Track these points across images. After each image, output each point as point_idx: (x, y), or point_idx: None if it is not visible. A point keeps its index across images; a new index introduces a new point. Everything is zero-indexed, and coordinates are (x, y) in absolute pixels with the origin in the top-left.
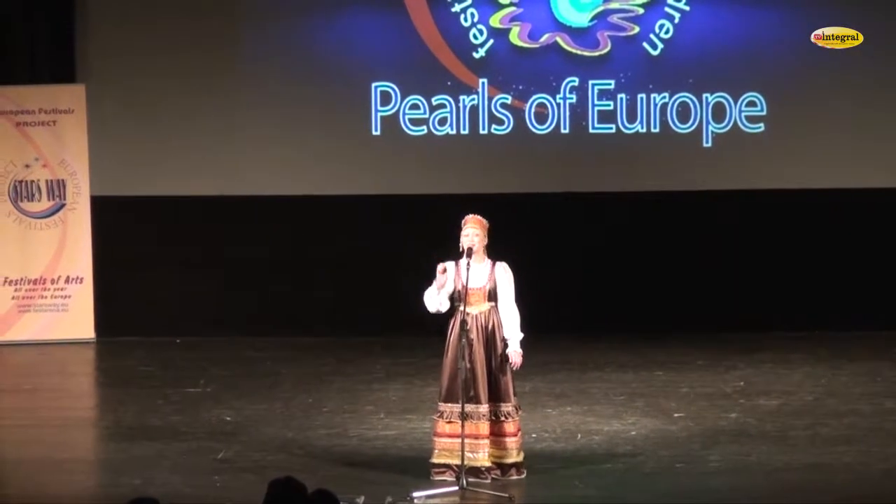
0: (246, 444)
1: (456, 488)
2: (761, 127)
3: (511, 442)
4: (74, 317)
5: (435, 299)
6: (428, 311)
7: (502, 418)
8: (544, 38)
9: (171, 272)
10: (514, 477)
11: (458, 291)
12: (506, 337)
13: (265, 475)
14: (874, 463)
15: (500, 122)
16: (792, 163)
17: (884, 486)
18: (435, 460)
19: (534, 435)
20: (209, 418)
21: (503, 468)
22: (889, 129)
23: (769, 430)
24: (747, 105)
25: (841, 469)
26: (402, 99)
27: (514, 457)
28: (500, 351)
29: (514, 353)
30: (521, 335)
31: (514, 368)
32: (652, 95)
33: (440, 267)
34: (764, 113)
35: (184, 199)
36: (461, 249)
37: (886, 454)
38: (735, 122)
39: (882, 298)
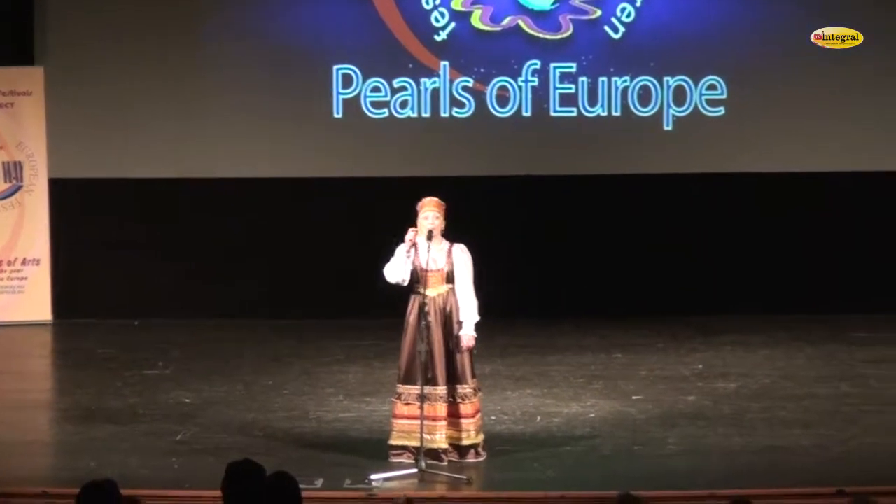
0: (205, 427)
1: (414, 470)
2: (722, 110)
3: (468, 423)
4: (31, 299)
5: (398, 269)
6: (388, 283)
7: (459, 400)
8: (506, 21)
9: (130, 254)
10: (473, 459)
11: (417, 274)
12: (460, 319)
13: (224, 457)
14: (831, 446)
15: (462, 105)
16: (752, 146)
17: (840, 469)
18: (393, 442)
19: (493, 417)
20: (168, 400)
21: (461, 450)
22: (849, 113)
23: (727, 413)
24: (708, 88)
25: (798, 452)
26: (364, 81)
27: (471, 438)
28: (457, 333)
29: (466, 337)
30: (477, 318)
31: (464, 351)
32: (613, 79)
33: (409, 240)
34: (724, 96)
35: (143, 181)
36: (420, 232)
37: (843, 437)
38: (696, 105)
39: (840, 281)
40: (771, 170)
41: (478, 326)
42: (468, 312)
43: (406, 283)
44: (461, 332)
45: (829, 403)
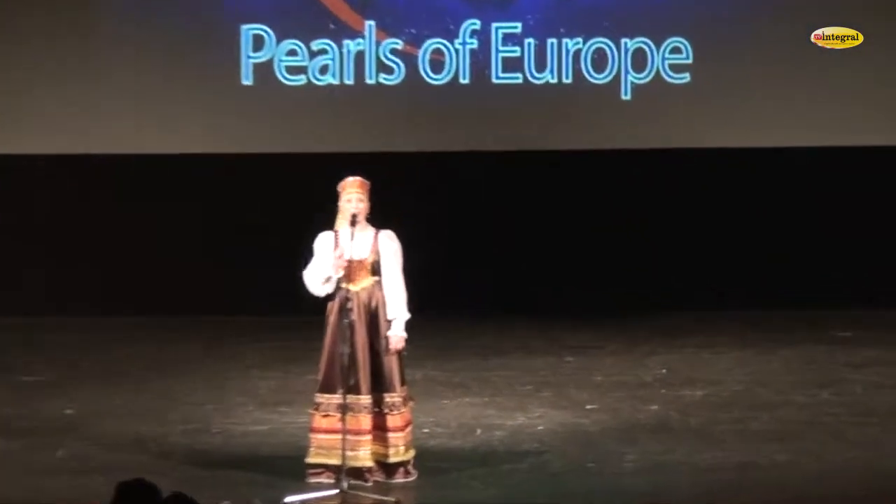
0: (90, 441)
1: (335, 492)
2: (687, 77)
3: (397, 438)
4: None
5: (320, 282)
6: (308, 291)
7: (387, 410)
8: None
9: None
10: (402, 479)
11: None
12: (389, 317)
13: (112, 476)
14: (808, 462)
15: (390, 71)
16: (721, 118)
17: (819, 488)
18: (310, 460)
19: (426, 430)
20: (46, 411)
21: (388, 468)
22: (827, 83)
23: (693, 425)
24: (671, 52)
25: (772, 469)
26: (278, 44)
27: (400, 455)
28: (384, 333)
29: (395, 338)
30: (407, 316)
31: (394, 353)
32: (564, 40)
33: (337, 255)
34: (690, 61)
35: (14, 158)
36: (342, 217)
37: (822, 452)
38: (657, 71)
39: (820, 272)
40: (742, 145)
41: (409, 325)
42: (398, 309)
43: (329, 292)
44: (390, 333)
45: (807, 413)
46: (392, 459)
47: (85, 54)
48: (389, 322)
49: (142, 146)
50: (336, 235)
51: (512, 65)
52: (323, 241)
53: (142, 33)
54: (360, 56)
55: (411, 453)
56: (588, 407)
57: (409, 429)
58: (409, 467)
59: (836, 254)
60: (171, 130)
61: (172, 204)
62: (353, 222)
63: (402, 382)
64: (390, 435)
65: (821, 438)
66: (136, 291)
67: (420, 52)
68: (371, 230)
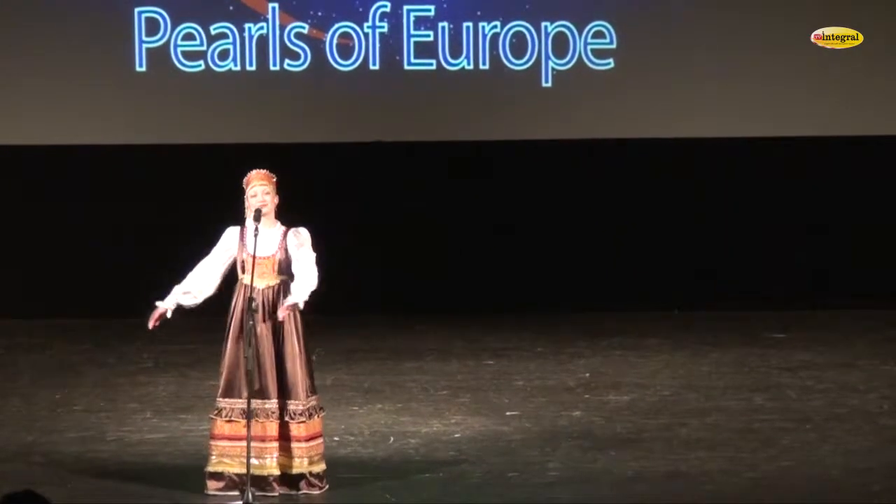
0: None
1: (239, 503)
2: (610, 63)
3: (300, 448)
4: None
5: (190, 289)
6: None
7: (288, 418)
8: None
9: None
10: (306, 490)
11: (244, 262)
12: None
13: None
14: (741, 471)
15: (295, 57)
16: (647, 107)
17: (752, 498)
18: (212, 468)
19: (336, 438)
20: None
21: (291, 479)
22: (759, 69)
23: (619, 432)
24: (594, 36)
25: (702, 478)
26: (174, 27)
27: (303, 466)
28: (289, 334)
29: (282, 308)
30: (305, 298)
31: (282, 318)
32: (480, 24)
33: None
34: (614, 46)
35: None
36: (248, 213)
37: (755, 460)
38: (580, 56)
39: (752, 270)
40: (669, 135)
41: (306, 310)
42: (300, 287)
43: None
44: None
45: (739, 419)
46: (295, 470)
47: None
48: (291, 315)
49: (29, 137)
50: (242, 231)
51: (425, 50)
52: (227, 236)
53: (27, 18)
54: (262, 40)
55: (318, 467)
56: (508, 413)
57: (315, 442)
58: (313, 479)
59: (768, 252)
60: (59, 120)
61: (55, 197)
62: (258, 217)
63: (310, 392)
64: (293, 445)
65: (753, 446)
66: (19, 290)
67: (327, 37)
68: (280, 227)
